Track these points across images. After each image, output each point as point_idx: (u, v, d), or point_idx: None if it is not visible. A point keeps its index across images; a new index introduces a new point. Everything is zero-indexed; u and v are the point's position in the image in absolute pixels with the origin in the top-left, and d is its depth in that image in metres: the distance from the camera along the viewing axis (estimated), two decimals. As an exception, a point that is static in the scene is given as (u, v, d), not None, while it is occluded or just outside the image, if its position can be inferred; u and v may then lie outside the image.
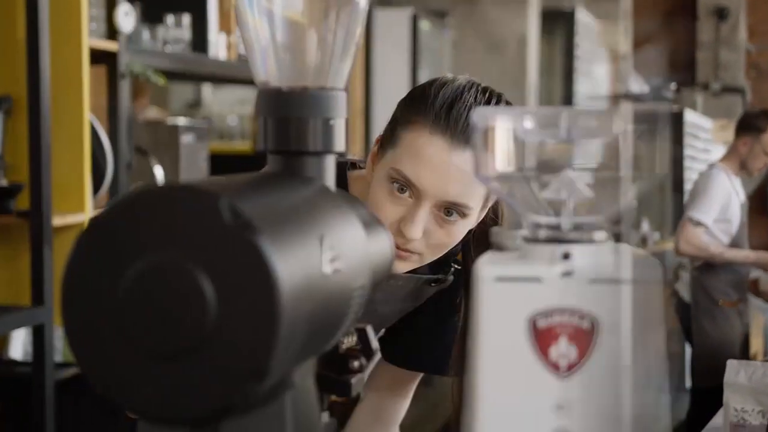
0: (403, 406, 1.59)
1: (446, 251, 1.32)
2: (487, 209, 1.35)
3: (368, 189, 1.32)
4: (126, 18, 2.85)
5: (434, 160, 1.25)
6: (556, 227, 0.69)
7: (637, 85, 6.29)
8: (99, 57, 2.84)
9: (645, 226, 6.96)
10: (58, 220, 2.61)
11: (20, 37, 2.53)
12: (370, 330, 0.81)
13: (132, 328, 0.60)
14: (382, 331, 1.51)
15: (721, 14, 9.39)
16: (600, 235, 0.69)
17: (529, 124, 0.69)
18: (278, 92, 0.79)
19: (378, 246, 0.82)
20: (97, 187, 2.82)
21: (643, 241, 6.64)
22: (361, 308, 0.75)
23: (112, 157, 2.86)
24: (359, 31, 0.82)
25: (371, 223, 0.83)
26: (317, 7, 0.80)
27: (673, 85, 6.70)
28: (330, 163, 0.80)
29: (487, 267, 0.67)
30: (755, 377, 1.83)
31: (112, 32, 2.88)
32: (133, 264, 0.60)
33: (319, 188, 0.76)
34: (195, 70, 3.60)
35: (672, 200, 7.77)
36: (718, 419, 2.09)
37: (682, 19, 9.40)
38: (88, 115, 2.71)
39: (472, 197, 1.27)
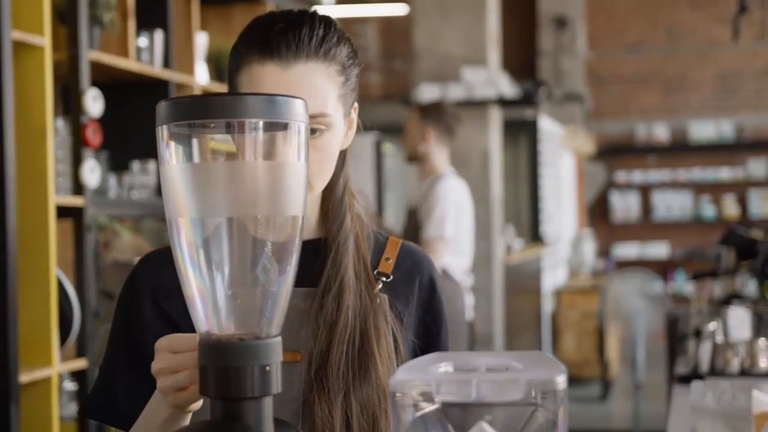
0: None
1: (331, 169, 1.26)
2: (356, 115, 1.30)
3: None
4: (91, 174, 2.93)
5: (267, 85, 1.20)
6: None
7: (509, 88, 6.41)
8: (66, 211, 2.92)
9: (510, 234, 6.95)
10: (25, 377, 2.64)
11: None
12: None
13: None
14: None
15: (560, 23, 9.62)
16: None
17: (442, 387, 0.76)
18: (218, 343, 0.87)
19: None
20: (64, 338, 2.86)
21: (509, 250, 6.60)
22: None
23: (79, 307, 2.91)
24: (291, 280, 0.89)
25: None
26: (251, 263, 0.88)
27: (542, 90, 6.84)
28: (268, 405, 0.87)
29: None
30: (724, 399, 1.69)
31: (78, 186, 2.95)
32: None
33: (254, 438, 0.82)
34: (160, 213, 3.68)
35: (529, 206, 7.92)
36: None
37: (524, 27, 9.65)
38: (54, 270, 2.77)
39: (324, 103, 1.22)
